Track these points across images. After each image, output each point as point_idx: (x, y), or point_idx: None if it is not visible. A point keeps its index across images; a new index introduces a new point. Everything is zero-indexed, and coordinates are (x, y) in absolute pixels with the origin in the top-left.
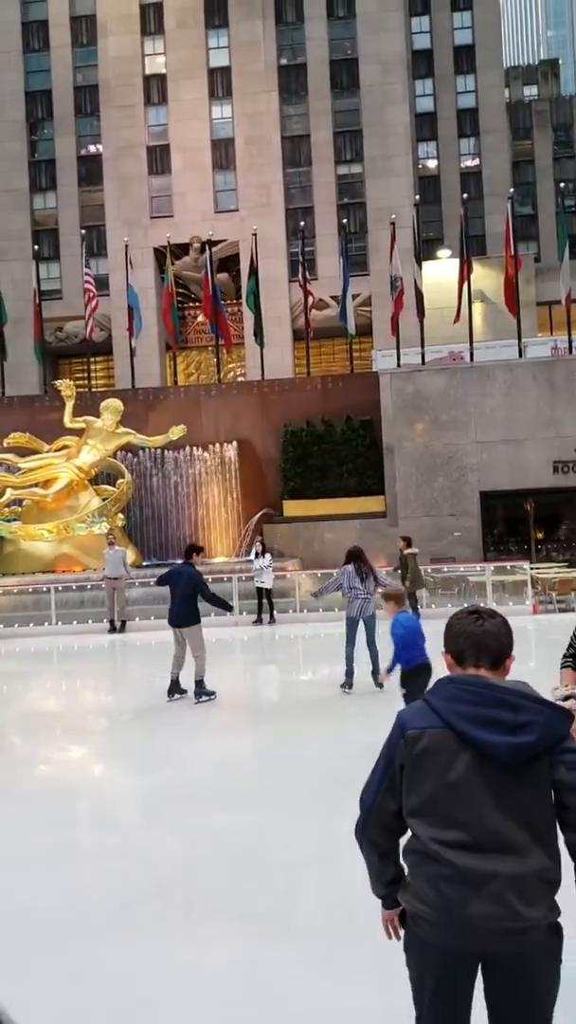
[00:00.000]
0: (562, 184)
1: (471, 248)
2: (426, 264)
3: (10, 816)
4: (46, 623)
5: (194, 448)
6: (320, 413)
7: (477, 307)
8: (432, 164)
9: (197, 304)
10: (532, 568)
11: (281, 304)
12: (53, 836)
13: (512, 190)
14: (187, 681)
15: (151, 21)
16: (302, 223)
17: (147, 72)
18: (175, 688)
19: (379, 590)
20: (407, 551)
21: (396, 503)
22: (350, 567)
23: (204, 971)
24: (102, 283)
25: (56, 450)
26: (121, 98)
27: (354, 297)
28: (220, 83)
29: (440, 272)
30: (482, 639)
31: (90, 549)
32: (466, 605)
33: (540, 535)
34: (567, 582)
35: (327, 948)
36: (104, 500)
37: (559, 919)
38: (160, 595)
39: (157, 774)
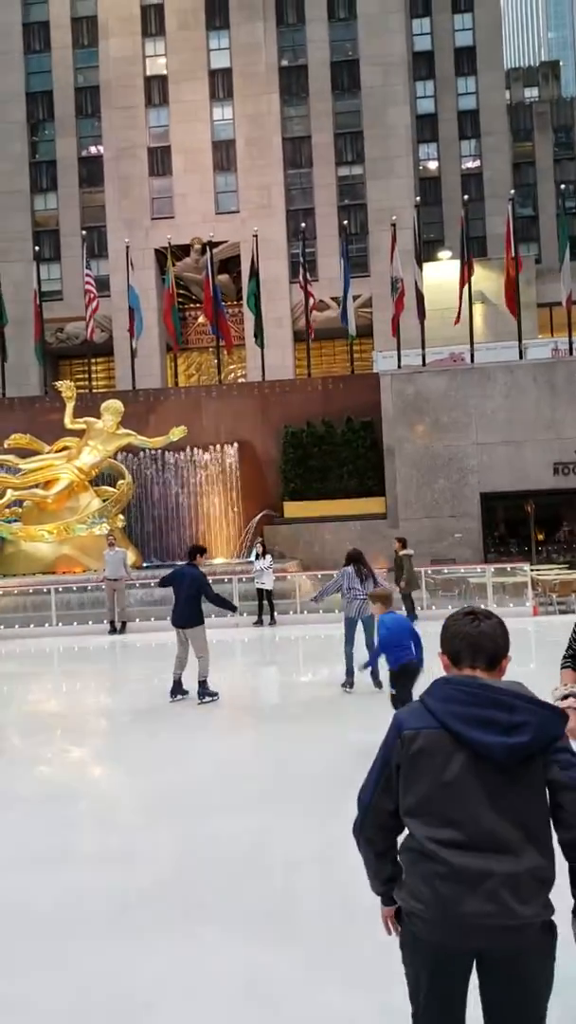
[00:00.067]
0: (563, 186)
1: (472, 249)
2: (427, 265)
3: (11, 817)
4: (46, 624)
5: (195, 449)
6: (321, 414)
7: (478, 308)
8: (433, 165)
9: (198, 305)
10: (532, 570)
11: (282, 305)
12: (54, 837)
13: (513, 191)
14: (188, 682)
15: (152, 22)
16: (303, 224)
17: (148, 73)
18: (177, 689)
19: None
20: (402, 552)
21: (396, 504)
22: (350, 568)
23: (204, 972)
24: (103, 284)
25: (57, 451)
26: (122, 99)
27: (355, 298)
28: (221, 84)
29: (441, 273)
30: (478, 640)
31: (90, 550)
32: (465, 606)
33: (540, 537)
34: (567, 584)
35: (327, 949)
36: (104, 501)
37: (553, 917)
38: (160, 596)
39: (158, 774)
